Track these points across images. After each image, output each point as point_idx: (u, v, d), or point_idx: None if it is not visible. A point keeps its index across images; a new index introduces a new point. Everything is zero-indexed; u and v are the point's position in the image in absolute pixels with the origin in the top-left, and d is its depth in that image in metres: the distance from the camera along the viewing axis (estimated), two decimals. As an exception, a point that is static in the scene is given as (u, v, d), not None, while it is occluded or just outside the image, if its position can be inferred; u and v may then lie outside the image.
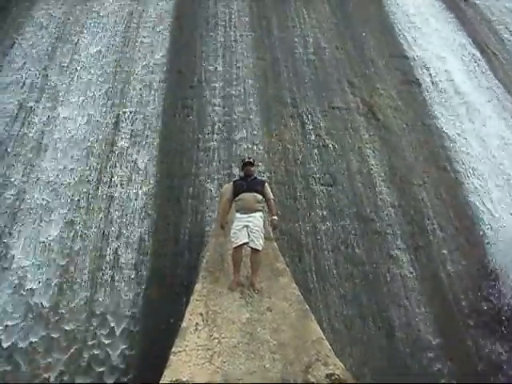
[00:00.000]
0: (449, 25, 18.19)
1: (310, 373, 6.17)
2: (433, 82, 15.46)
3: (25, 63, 14.84)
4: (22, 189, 11.79)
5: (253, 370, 6.25)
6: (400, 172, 12.87)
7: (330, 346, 6.67)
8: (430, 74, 15.69)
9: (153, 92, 14.01)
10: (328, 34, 16.47)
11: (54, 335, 9.57)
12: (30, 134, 12.89)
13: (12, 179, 11.95)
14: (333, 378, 6.03)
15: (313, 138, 13.30)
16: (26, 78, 14.35)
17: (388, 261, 11.09)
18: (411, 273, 10.99)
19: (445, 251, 11.49)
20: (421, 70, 15.75)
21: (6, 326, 9.53)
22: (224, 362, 6.34)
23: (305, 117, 13.74)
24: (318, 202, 11.98)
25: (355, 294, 10.50)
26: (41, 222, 11.22)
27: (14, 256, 10.59)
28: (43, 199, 11.60)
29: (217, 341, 6.71)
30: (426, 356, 9.84)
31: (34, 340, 9.42)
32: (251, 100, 14.05)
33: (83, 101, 13.65)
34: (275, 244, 8.86)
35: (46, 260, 10.58)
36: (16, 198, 11.58)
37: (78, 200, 11.58)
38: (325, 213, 11.79)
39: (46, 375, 9.07)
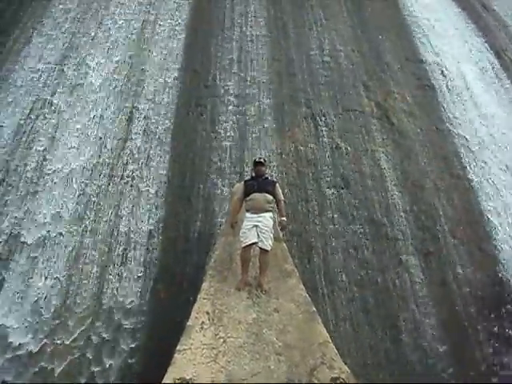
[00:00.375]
0: (466, 30, 18.09)
1: (315, 375, 6.14)
2: (448, 87, 15.37)
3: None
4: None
5: (257, 370, 6.23)
6: (412, 177, 12.80)
7: (335, 350, 6.63)
8: (446, 79, 15.59)
9: (167, 90, 14.02)
10: (344, 37, 16.42)
11: (59, 334, 9.64)
12: (44, 129, 12.93)
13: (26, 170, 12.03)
14: (338, 381, 6.00)
15: (326, 140, 13.26)
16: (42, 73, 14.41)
17: (398, 266, 11.04)
18: (421, 278, 10.94)
19: (455, 258, 11.42)
20: (436, 75, 15.66)
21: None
22: (229, 362, 6.32)
23: (318, 118, 13.71)
24: (329, 204, 11.95)
25: (363, 298, 10.46)
26: (50, 215, 11.27)
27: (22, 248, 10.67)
28: (54, 192, 11.65)
29: (222, 340, 6.69)
30: (433, 361, 9.78)
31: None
32: (265, 100, 14.04)
33: (97, 97, 13.68)
34: (284, 245, 8.85)
35: (54, 253, 10.63)
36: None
37: (90, 195, 11.61)
38: (335, 215, 11.76)
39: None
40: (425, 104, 14.79)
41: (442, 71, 15.87)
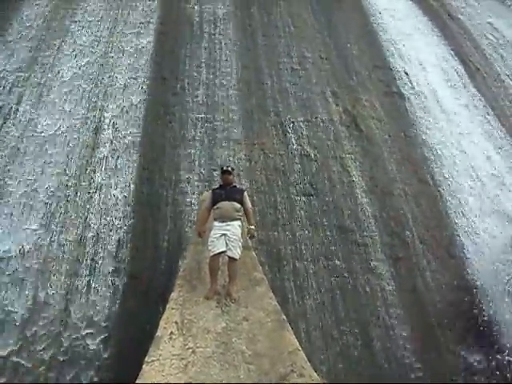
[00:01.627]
0: (432, 38, 18.32)
1: (286, 384, 6.10)
2: (415, 94, 15.52)
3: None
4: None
5: (227, 380, 6.18)
6: (381, 183, 12.86)
7: (306, 358, 6.61)
8: (413, 86, 15.75)
9: (135, 98, 13.92)
10: (312, 45, 16.50)
11: (27, 343, 9.47)
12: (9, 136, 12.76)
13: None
14: (307, 390, 5.96)
15: (295, 147, 13.28)
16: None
17: (367, 272, 11.06)
18: (391, 284, 10.97)
19: (424, 263, 11.48)
20: (404, 82, 15.80)
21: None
22: (198, 372, 6.26)
23: (287, 126, 13.73)
24: (298, 211, 11.95)
25: (334, 305, 10.45)
26: (17, 226, 11.09)
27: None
28: (20, 203, 11.47)
29: (191, 350, 6.62)
30: (404, 367, 9.80)
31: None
32: (234, 108, 14.03)
33: (64, 105, 13.52)
34: (253, 253, 8.83)
35: (22, 265, 10.45)
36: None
37: (56, 205, 11.45)
38: (305, 223, 11.76)
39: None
40: (393, 111, 14.91)
41: (409, 78, 16.02)
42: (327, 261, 11.11)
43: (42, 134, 12.84)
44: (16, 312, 9.75)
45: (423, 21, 19.15)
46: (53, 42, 15.52)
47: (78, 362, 9.39)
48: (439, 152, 13.85)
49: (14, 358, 9.21)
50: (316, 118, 14.09)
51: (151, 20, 16.72)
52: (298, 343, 6.89)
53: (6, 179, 11.87)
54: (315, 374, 6.34)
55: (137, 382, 6.06)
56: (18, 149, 12.53)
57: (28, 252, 10.66)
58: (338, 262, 11.12)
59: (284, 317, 7.41)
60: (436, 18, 19.39)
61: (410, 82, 15.96)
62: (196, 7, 17.51)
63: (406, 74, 16.19)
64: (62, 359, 9.40)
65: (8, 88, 13.98)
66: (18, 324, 9.63)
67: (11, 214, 11.28)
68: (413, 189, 12.91)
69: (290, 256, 11.06)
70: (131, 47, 15.58)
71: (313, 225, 11.69)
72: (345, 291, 10.73)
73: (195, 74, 14.94)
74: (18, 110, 13.44)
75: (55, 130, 12.97)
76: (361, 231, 11.77)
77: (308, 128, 13.76)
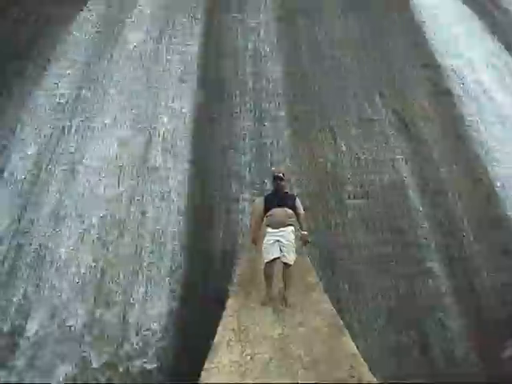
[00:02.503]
0: (480, 32, 17.92)
1: (344, 389, 6.08)
2: (465, 91, 15.21)
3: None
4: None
5: (286, 386, 6.19)
6: (433, 183, 12.70)
7: (363, 361, 6.57)
8: (462, 83, 15.43)
9: (183, 108, 14.14)
10: (357, 46, 16.41)
11: (87, 351, 9.74)
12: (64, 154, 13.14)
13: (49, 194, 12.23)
14: (366, 393, 5.94)
15: (344, 150, 13.24)
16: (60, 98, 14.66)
17: (422, 273, 10.94)
18: (446, 285, 10.82)
19: (480, 263, 11.27)
20: (452, 80, 15.51)
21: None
22: (256, 379, 6.26)
23: (336, 130, 13.70)
24: (350, 215, 11.92)
25: (390, 308, 10.38)
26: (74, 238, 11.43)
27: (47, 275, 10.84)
28: (78, 214, 11.81)
29: (249, 357, 6.64)
30: (463, 368, 9.63)
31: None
32: (281, 114, 14.08)
33: (114, 118, 13.85)
34: (307, 258, 8.84)
35: (80, 276, 10.76)
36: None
37: (111, 217, 11.73)
38: (358, 226, 11.71)
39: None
40: (442, 109, 14.67)
41: (458, 75, 15.72)
42: (381, 263, 11.04)
43: (94, 149, 13.16)
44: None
45: (471, 15, 18.72)
46: (103, 54, 15.93)
47: (137, 372, 9.62)
48: (492, 150, 13.56)
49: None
50: (365, 120, 14.02)
51: (196, 30, 16.96)
52: (355, 347, 6.85)
53: (65, 193, 12.23)
54: (374, 378, 6.31)
55: (195, 389, 6.15)
56: (73, 163, 12.90)
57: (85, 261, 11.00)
58: (392, 265, 11.04)
59: (340, 321, 7.39)
60: (484, 12, 18.88)
61: (459, 79, 15.64)
62: (239, 15, 17.67)
63: (455, 71, 15.86)
64: (120, 369, 9.65)
65: (63, 105, 14.41)
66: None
67: (68, 225, 11.65)
68: (466, 188, 12.69)
69: (343, 260, 11.06)
70: (177, 57, 15.84)
71: (366, 227, 11.65)
72: (400, 293, 10.64)
73: (241, 82, 15.06)
74: (71, 125, 13.82)
75: (107, 144, 13.28)
76: (414, 232, 11.65)
77: (357, 131, 13.70)
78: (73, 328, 10.02)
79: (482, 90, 15.34)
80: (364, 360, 6.62)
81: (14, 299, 10.28)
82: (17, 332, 9.82)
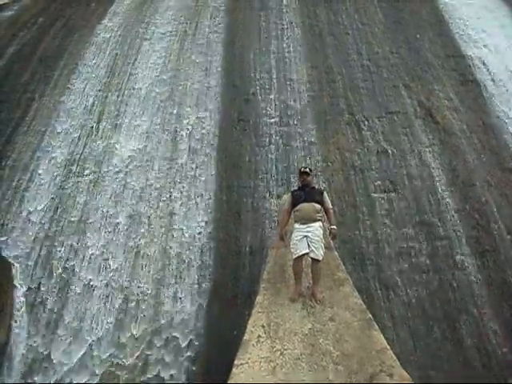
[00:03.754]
0: (506, 19, 17.62)
1: (375, 384, 6.08)
2: (493, 80, 14.97)
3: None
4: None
5: (316, 381, 6.21)
6: (462, 175, 12.52)
7: (394, 356, 6.55)
8: (490, 72, 15.18)
9: (209, 107, 14.22)
10: (381, 39, 16.30)
11: (119, 351, 9.90)
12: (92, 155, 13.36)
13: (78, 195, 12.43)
14: (398, 389, 5.92)
15: (371, 144, 13.16)
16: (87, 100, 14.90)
17: (453, 267, 10.80)
18: (478, 278, 10.66)
19: (513, 255, 11.09)
20: (479, 69, 15.27)
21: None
22: (287, 374, 6.34)
23: (361, 123, 13.63)
24: (378, 209, 11.84)
25: (420, 302, 10.27)
26: (103, 238, 11.61)
27: (79, 273, 11.01)
28: (108, 213, 12.00)
29: (279, 353, 6.71)
30: (497, 364, 9.49)
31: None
32: (307, 109, 14.07)
33: (141, 119, 14.00)
34: (336, 253, 8.81)
35: (109, 277, 10.93)
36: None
37: (140, 217, 11.86)
38: (386, 220, 11.63)
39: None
40: (469, 99, 14.46)
41: (485, 64, 15.47)
42: (411, 257, 10.94)
43: (122, 150, 13.32)
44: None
45: (497, 3, 18.42)
46: (127, 60, 16.11)
47: (168, 367, 9.72)
48: (521, 139, 13.35)
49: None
50: (390, 112, 13.92)
51: (219, 29, 17.04)
52: (385, 342, 6.84)
53: (94, 194, 12.42)
54: (405, 372, 6.28)
55: (228, 384, 6.20)
56: (102, 162, 13.09)
57: (114, 262, 11.18)
58: (422, 259, 10.93)
59: (370, 316, 7.38)
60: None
61: (486, 68, 15.39)
62: (261, 12, 17.68)
63: (481, 60, 15.62)
64: (151, 364, 9.77)
65: (90, 107, 14.62)
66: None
67: (99, 227, 11.83)
68: (496, 178, 12.47)
69: (372, 254, 10.98)
70: (201, 57, 15.93)
71: (394, 221, 11.55)
72: (431, 287, 10.52)
73: (266, 80, 15.08)
74: (98, 127, 14.01)
75: (134, 145, 13.43)
76: (444, 225, 11.51)
77: (383, 124, 13.60)
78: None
79: (509, 78, 15.07)
80: (394, 354, 6.60)
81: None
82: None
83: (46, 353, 9.93)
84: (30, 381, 9.67)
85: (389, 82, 14.82)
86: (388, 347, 6.73)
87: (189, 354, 9.83)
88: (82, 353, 9.90)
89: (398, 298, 10.35)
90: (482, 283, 10.58)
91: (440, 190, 12.17)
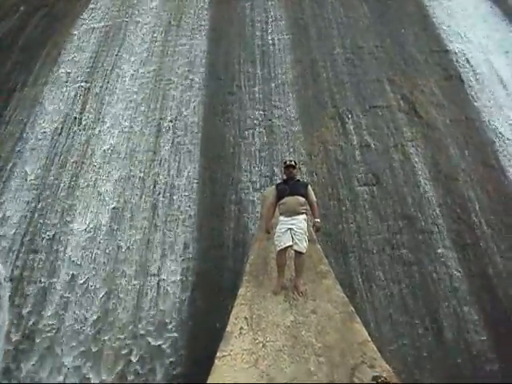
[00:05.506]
0: (491, 16, 17.69)
1: (356, 375, 6.09)
2: (476, 76, 15.04)
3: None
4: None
5: (298, 373, 6.22)
6: (445, 169, 12.59)
7: (376, 348, 6.58)
8: (473, 68, 15.23)
9: (193, 99, 14.20)
10: (366, 33, 16.30)
11: (99, 344, 9.90)
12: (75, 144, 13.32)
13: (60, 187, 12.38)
14: (379, 380, 5.93)
15: (354, 138, 13.21)
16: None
17: (435, 260, 10.90)
18: (459, 271, 10.76)
19: (493, 248, 11.18)
20: (463, 64, 15.32)
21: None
22: (269, 366, 6.33)
23: (345, 117, 13.66)
24: (361, 202, 11.90)
25: (402, 295, 10.37)
26: (85, 230, 11.59)
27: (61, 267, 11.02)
28: (88, 209, 11.97)
29: (261, 345, 6.71)
30: (477, 356, 9.60)
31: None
32: (291, 103, 14.08)
33: (124, 111, 13.93)
34: (319, 246, 8.81)
35: (92, 268, 10.93)
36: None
37: (123, 209, 11.84)
38: (369, 213, 11.70)
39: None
40: (453, 94, 14.51)
41: (468, 60, 15.51)
42: (393, 250, 11.02)
43: (105, 142, 13.28)
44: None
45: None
46: (110, 50, 16.02)
47: (151, 360, 9.73)
48: (503, 135, 13.40)
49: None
50: (374, 106, 13.95)
51: (203, 21, 16.97)
52: (367, 334, 6.86)
53: (76, 187, 12.39)
54: (386, 364, 6.32)
55: (209, 377, 6.19)
56: (84, 155, 13.04)
57: (97, 256, 11.16)
58: (404, 251, 11.01)
59: (352, 308, 7.39)
60: (496, -4, 18.68)
61: (469, 63, 15.45)
62: (246, 4, 17.63)
63: (465, 56, 15.67)
64: (135, 358, 9.77)
65: (74, 97, 14.55)
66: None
67: (80, 216, 11.82)
68: (478, 173, 12.56)
69: (355, 247, 11.06)
70: (185, 49, 15.87)
71: (377, 215, 11.62)
72: (413, 280, 10.61)
73: (250, 72, 15.07)
74: (81, 118, 13.93)
75: (117, 137, 13.38)
76: (426, 219, 11.59)
77: (366, 117, 13.65)
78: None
79: (493, 74, 15.15)
80: (376, 347, 6.64)
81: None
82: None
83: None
84: None
85: (373, 76, 14.85)
86: (369, 339, 6.75)
87: (171, 345, 9.84)
88: None
89: (380, 290, 10.43)
90: (462, 276, 10.68)
91: (423, 183, 12.25)
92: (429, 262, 10.85)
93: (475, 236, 11.36)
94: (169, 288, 10.64)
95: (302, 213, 8.03)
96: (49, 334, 10.31)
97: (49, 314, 10.55)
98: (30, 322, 10.50)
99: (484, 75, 14.99)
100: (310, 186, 8.48)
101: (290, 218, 7.91)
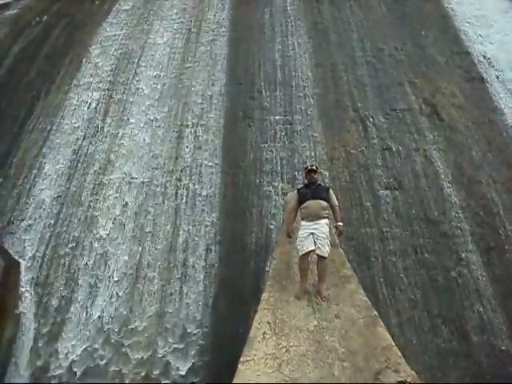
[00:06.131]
0: (511, 15, 17.52)
1: (380, 380, 6.06)
2: (498, 77, 14.90)
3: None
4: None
5: (322, 378, 6.20)
6: (468, 172, 12.49)
7: (400, 353, 6.54)
8: (495, 69, 15.11)
9: (214, 105, 14.29)
10: (386, 35, 16.26)
11: (125, 348, 9.98)
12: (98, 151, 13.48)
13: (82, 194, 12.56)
14: (404, 385, 5.93)
15: (376, 141, 13.17)
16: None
17: (459, 264, 10.79)
18: (483, 275, 10.65)
19: (518, 252, 11.08)
20: (484, 66, 15.19)
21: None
22: (293, 371, 6.32)
23: (367, 121, 13.63)
24: (383, 206, 11.85)
25: (426, 299, 10.29)
26: (108, 236, 11.72)
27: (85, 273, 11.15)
28: (111, 216, 12.10)
29: (285, 349, 6.70)
30: (502, 360, 9.49)
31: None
32: (311, 106, 14.08)
33: (146, 117, 14.06)
34: (341, 250, 8.79)
35: (116, 273, 11.04)
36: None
37: (145, 215, 11.94)
38: (391, 217, 11.64)
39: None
40: (474, 96, 14.39)
41: (490, 61, 15.40)
42: (416, 254, 10.95)
43: (128, 148, 13.41)
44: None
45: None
46: (132, 58, 16.19)
47: (174, 366, 9.78)
48: (527, 135, 13.29)
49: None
50: (395, 110, 13.90)
51: (223, 28, 17.06)
52: (391, 339, 6.83)
53: (99, 194, 12.53)
54: (410, 369, 6.28)
55: (233, 381, 6.19)
56: (107, 162, 13.18)
57: (121, 260, 11.26)
58: (427, 256, 10.93)
59: (376, 313, 7.35)
60: (517, -4, 18.47)
61: (491, 65, 15.32)
62: (266, 9, 17.69)
63: (486, 57, 15.55)
64: (158, 362, 9.85)
65: (96, 105, 14.72)
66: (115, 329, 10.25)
67: (104, 225, 11.94)
68: (501, 175, 12.42)
69: (378, 252, 11.00)
70: (206, 54, 15.98)
71: (399, 219, 11.56)
72: (436, 284, 10.52)
73: (271, 77, 15.12)
74: (103, 125, 14.09)
75: (140, 142, 13.50)
76: (449, 222, 11.50)
77: (388, 121, 13.59)
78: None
79: (515, 75, 15.02)
80: (400, 351, 6.61)
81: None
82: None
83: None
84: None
85: (394, 79, 14.80)
86: (393, 344, 6.70)
87: (195, 351, 9.88)
88: None
89: (404, 294, 10.36)
90: (487, 280, 10.56)
91: (445, 187, 12.16)
92: (453, 266, 10.75)
93: (500, 239, 11.24)
94: (191, 293, 10.69)
95: (325, 217, 8.01)
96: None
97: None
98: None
99: (506, 76, 14.83)
100: (331, 190, 8.47)
101: (312, 223, 7.90)
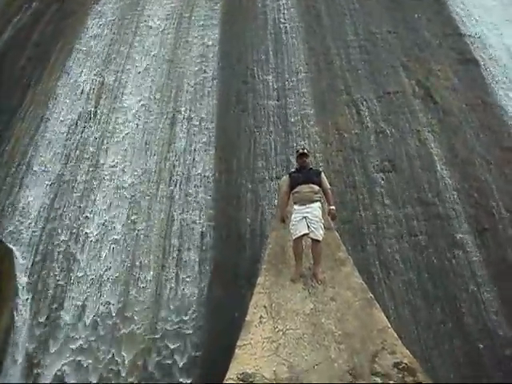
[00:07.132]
0: (506, -2, 17.45)
1: (377, 362, 6.10)
2: (491, 59, 14.85)
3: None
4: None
5: (318, 360, 6.23)
6: (461, 153, 12.49)
7: (396, 335, 6.58)
8: (488, 51, 15.05)
9: (206, 90, 14.21)
10: (379, 19, 16.15)
11: (120, 334, 10.02)
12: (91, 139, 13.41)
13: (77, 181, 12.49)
14: (400, 366, 5.95)
15: (369, 124, 13.14)
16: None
17: (453, 246, 10.83)
18: (477, 257, 10.69)
19: (512, 233, 11.11)
20: (478, 48, 15.14)
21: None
22: (289, 354, 6.35)
23: (360, 104, 13.59)
24: (377, 189, 11.85)
25: (420, 281, 10.33)
26: (103, 223, 11.68)
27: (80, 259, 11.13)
28: (106, 200, 12.08)
29: (281, 333, 6.72)
30: (497, 341, 9.55)
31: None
32: (305, 91, 14.03)
33: (138, 103, 13.99)
34: (336, 233, 8.79)
35: (112, 259, 11.03)
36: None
37: (139, 201, 11.92)
38: (385, 200, 11.65)
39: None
40: (468, 78, 14.35)
41: (484, 43, 15.34)
42: (411, 237, 10.98)
43: (121, 134, 13.36)
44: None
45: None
46: (123, 44, 16.08)
47: (171, 350, 9.81)
48: (520, 117, 13.28)
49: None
50: (389, 93, 13.86)
51: (215, 12, 16.93)
52: (387, 321, 6.86)
53: (93, 180, 12.49)
54: (406, 350, 6.32)
55: (230, 365, 6.21)
56: (101, 148, 13.12)
57: (116, 247, 11.25)
58: (421, 237, 10.96)
59: (371, 295, 7.37)
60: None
61: (484, 46, 15.27)
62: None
63: (480, 39, 15.48)
64: (155, 349, 9.87)
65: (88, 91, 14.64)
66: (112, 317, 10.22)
67: (98, 209, 11.94)
68: (495, 157, 12.43)
69: (372, 234, 11.02)
70: (198, 39, 15.88)
71: (393, 201, 11.57)
72: (431, 266, 10.56)
73: (263, 61, 15.02)
74: (96, 111, 14.02)
75: (132, 129, 13.45)
76: (443, 204, 11.52)
77: (381, 104, 13.56)
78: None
79: (508, 57, 14.95)
80: (396, 333, 6.64)
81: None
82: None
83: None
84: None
85: (387, 62, 14.74)
86: (389, 326, 6.74)
87: (192, 336, 9.91)
88: None
89: (398, 276, 10.40)
90: (481, 261, 10.61)
91: (439, 168, 12.16)
92: (447, 248, 10.79)
93: (493, 220, 11.27)
94: (187, 278, 10.70)
95: (317, 200, 8.00)
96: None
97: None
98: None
99: (500, 58, 14.79)
100: (323, 174, 8.47)
101: (304, 207, 7.89)
